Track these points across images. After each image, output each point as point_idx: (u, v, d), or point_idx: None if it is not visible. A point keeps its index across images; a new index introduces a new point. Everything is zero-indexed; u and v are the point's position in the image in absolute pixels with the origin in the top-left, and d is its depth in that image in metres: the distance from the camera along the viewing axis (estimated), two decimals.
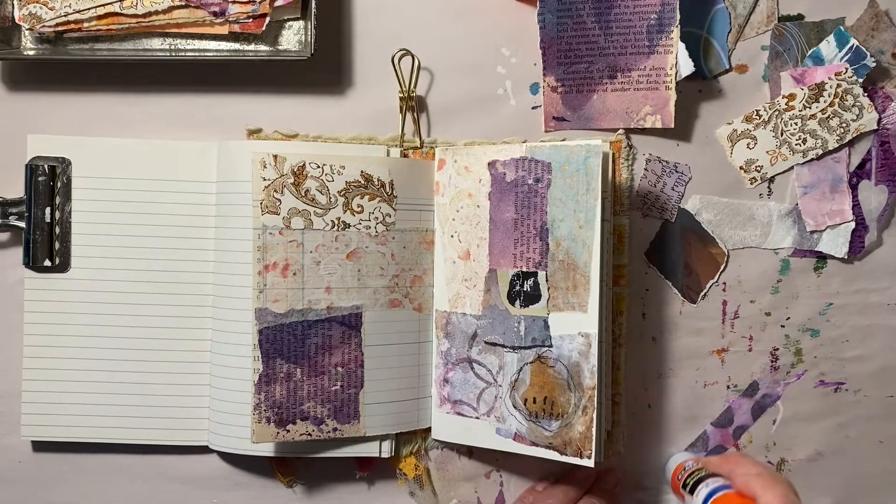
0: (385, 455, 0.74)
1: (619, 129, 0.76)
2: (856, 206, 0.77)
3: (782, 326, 0.78)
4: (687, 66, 0.74)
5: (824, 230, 0.77)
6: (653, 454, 0.78)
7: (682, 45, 0.74)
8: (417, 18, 0.76)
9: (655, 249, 0.77)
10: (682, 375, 0.78)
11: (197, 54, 0.74)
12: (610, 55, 0.75)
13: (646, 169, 0.77)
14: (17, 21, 0.71)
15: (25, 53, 0.73)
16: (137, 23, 0.72)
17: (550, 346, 0.69)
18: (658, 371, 0.78)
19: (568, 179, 0.68)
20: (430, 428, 0.76)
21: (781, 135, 0.76)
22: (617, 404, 0.77)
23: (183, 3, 0.72)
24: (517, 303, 0.71)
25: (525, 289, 0.70)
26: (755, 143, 0.77)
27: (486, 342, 0.72)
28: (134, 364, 0.73)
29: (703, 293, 0.78)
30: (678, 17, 0.74)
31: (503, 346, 0.71)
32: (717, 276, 0.78)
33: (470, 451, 0.77)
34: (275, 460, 0.75)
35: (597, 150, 0.67)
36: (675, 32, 0.74)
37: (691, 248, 0.77)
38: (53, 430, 0.73)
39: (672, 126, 0.75)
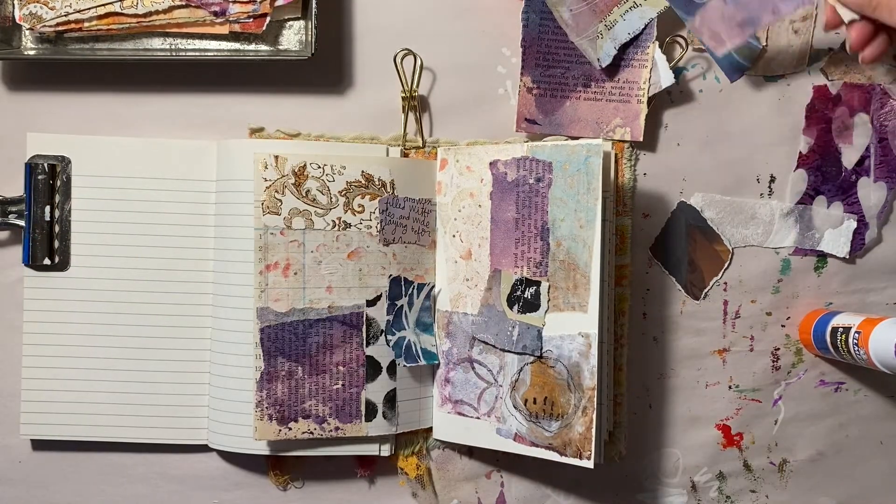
0: (385, 454, 0.74)
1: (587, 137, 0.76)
2: (855, 203, 0.77)
3: (783, 326, 0.78)
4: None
5: (824, 230, 0.77)
6: (654, 455, 0.78)
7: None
8: (418, 18, 0.76)
9: (660, 245, 0.77)
10: (683, 376, 0.78)
11: (197, 54, 0.74)
12: (586, 64, 0.75)
13: None
14: (17, 21, 0.71)
15: (26, 53, 0.73)
16: (138, 22, 0.72)
17: (540, 356, 0.69)
18: (659, 371, 0.78)
19: (569, 179, 0.68)
20: (431, 428, 0.75)
21: None
22: (619, 405, 0.77)
23: (183, 3, 0.72)
24: (515, 307, 0.71)
25: (526, 295, 0.70)
26: None
27: (476, 339, 0.72)
28: (134, 363, 0.73)
29: (706, 290, 0.78)
30: (655, 33, 0.75)
31: (493, 346, 0.71)
32: (721, 273, 0.78)
33: (471, 451, 0.77)
34: (270, 460, 0.75)
35: (597, 150, 0.67)
36: (651, 48, 0.75)
37: (696, 245, 0.77)
38: (53, 428, 0.73)
39: (641, 140, 0.76)
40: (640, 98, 0.75)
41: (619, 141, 0.76)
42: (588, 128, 0.76)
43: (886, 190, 0.78)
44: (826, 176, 0.77)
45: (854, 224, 0.77)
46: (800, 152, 0.77)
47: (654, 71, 0.75)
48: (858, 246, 0.78)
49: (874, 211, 0.78)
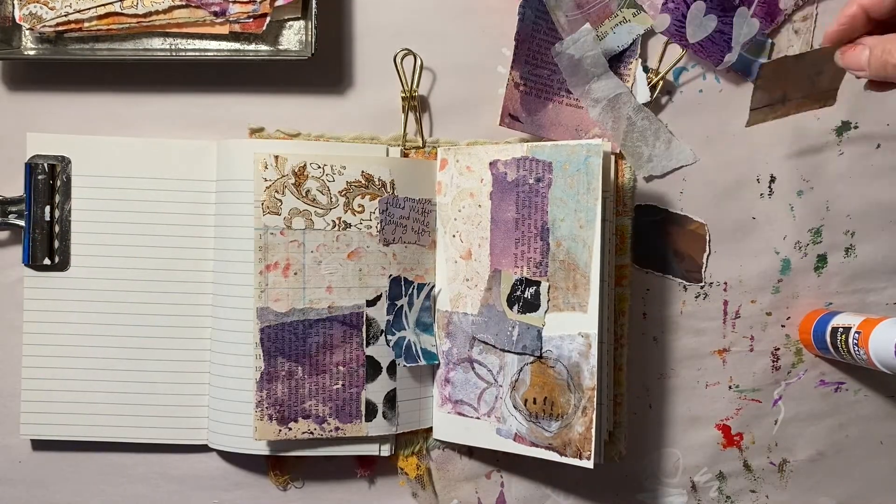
0: (385, 454, 0.74)
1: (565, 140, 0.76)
2: (728, 24, 0.76)
3: (783, 326, 0.78)
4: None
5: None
6: (654, 455, 0.78)
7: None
8: (418, 18, 0.76)
9: (639, 251, 0.77)
10: (683, 376, 0.78)
11: (197, 54, 0.74)
12: None
13: None
14: (17, 21, 0.71)
15: (26, 53, 0.73)
16: (138, 22, 0.72)
17: (540, 356, 0.69)
18: (659, 371, 0.78)
19: (569, 179, 0.68)
20: (431, 428, 0.75)
21: None
22: (619, 405, 0.77)
23: (183, 3, 0.72)
24: (515, 307, 0.71)
25: (526, 295, 0.70)
26: None
27: (476, 339, 0.72)
28: (133, 363, 0.73)
29: (703, 268, 0.77)
30: (638, 50, 0.76)
31: (493, 346, 0.71)
32: (708, 247, 0.77)
33: (470, 451, 0.77)
34: (270, 460, 0.75)
35: (597, 150, 0.67)
36: (634, 65, 0.76)
37: (671, 235, 0.77)
38: (53, 428, 0.73)
39: (618, 151, 0.76)
40: None
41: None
42: (568, 133, 0.76)
43: (756, 28, 0.77)
44: None
45: (715, 22, 0.76)
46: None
47: (634, 86, 0.76)
48: (718, 61, 0.76)
49: (741, 39, 0.76)
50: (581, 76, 0.75)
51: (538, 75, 0.75)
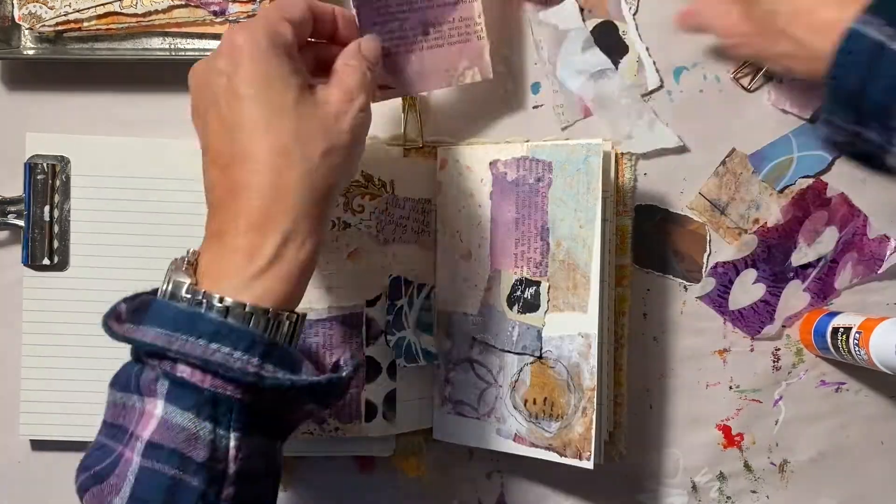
0: (385, 454, 0.74)
1: (441, 88, 0.73)
2: (776, 297, 0.77)
3: (783, 326, 0.78)
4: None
5: None
6: (654, 455, 0.78)
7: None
8: None
9: (639, 251, 0.77)
10: (683, 376, 0.78)
11: (197, 54, 0.74)
12: (420, 10, 0.70)
13: None
14: (17, 20, 0.71)
15: (25, 53, 0.73)
16: (137, 22, 0.72)
17: (540, 356, 0.69)
18: (659, 371, 0.78)
19: (568, 179, 0.68)
20: (431, 428, 0.75)
21: None
22: (619, 405, 0.76)
23: (183, 3, 0.72)
24: (515, 308, 0.70)
25: (525, 296, 0.70)
26: None
27: (476, 339, 0.72)
28: None
29: (703, 268, 0.77)
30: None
31: (493, 346, 0.71)
32: (709, 246, 0.77)
33: (471, 451, 0.77)
34: None
35: (597, 150, 0.67)
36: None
37: (671, 235, 0.77)
38: (52, 429, 0.73)
39: (490, 77, 0.72)
40: (479, 34, 0.71)
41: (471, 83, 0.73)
42: (439, 78, 0.72)
43: (807, 302, 0.78)
44: (770, 257, 0.77)
45: (762, 291, 0.77)
46: (765, 222, 0.77)
47: (641, 72, 0.75)
48: (756, 330, 0.77)
49: (786, 313, 0.78)
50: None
51: (391, 31, 0.70)
